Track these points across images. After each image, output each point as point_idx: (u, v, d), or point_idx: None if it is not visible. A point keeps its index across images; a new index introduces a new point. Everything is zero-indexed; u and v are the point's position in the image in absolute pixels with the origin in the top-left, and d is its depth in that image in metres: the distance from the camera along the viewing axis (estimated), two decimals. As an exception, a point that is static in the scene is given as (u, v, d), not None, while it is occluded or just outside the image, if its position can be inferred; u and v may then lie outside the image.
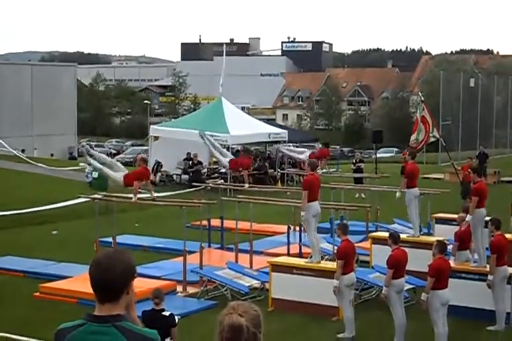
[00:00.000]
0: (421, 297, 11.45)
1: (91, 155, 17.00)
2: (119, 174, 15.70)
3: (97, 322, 3.55)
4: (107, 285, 3.55)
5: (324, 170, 26.91)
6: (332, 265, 14.20)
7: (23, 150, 40.69)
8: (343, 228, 12.57)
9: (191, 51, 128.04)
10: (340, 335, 11.96)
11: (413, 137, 26.95)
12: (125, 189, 16.63)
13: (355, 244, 14.60)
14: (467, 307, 12.93)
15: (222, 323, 3.30)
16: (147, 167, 16.41)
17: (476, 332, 12.47)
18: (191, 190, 22.10)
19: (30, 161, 33.98)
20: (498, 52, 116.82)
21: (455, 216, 18.14)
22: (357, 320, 12.17)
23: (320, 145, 34.74)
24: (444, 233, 17.86)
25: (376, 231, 18.39)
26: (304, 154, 28.78)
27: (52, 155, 46.97)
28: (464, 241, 14.32)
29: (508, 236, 17.12)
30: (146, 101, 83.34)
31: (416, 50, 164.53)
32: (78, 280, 14.06)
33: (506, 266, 12.71)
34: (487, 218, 13.77)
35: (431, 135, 26.92)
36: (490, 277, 12.40)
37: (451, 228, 18.15)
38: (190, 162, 30.45)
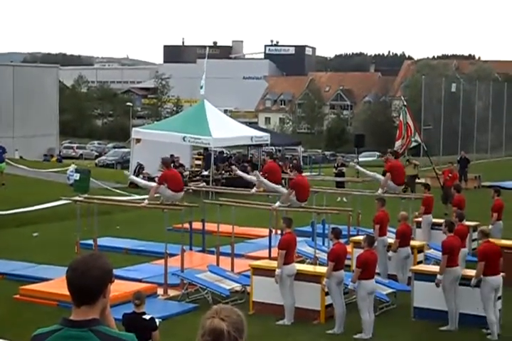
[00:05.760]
0: (349, 286, 12.48)
1: None
2: None
3: (73, 327, 3.53)
4: (83, 289, 3.55)
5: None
6: (312, 268, 14.24)
7: None
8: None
9: (174, 53, 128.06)
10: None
11: (398, 143, 26.74)
12: (106, 191, 16.57)
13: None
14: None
15: (204, 327, 3.30)
16: None
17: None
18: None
19: (11, 162, 33.77)
20: (479, 58, 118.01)
21: (436, 220, 18.30)
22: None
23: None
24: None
25: (357, 235, 18.40)
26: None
27: (21, 157, 46.74)
28: (404, 237, 15.15)
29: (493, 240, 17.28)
30: (128, 104, 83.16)
31: (398, 54, 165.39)
32: (58, 283, 13.97)
33: (458, 267, 12.86)
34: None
35: (412, 139, 26.88)
36: (439, 277, 12.59)
37: (432, 232, 18.30)
38: (172, 164, 30.38)
